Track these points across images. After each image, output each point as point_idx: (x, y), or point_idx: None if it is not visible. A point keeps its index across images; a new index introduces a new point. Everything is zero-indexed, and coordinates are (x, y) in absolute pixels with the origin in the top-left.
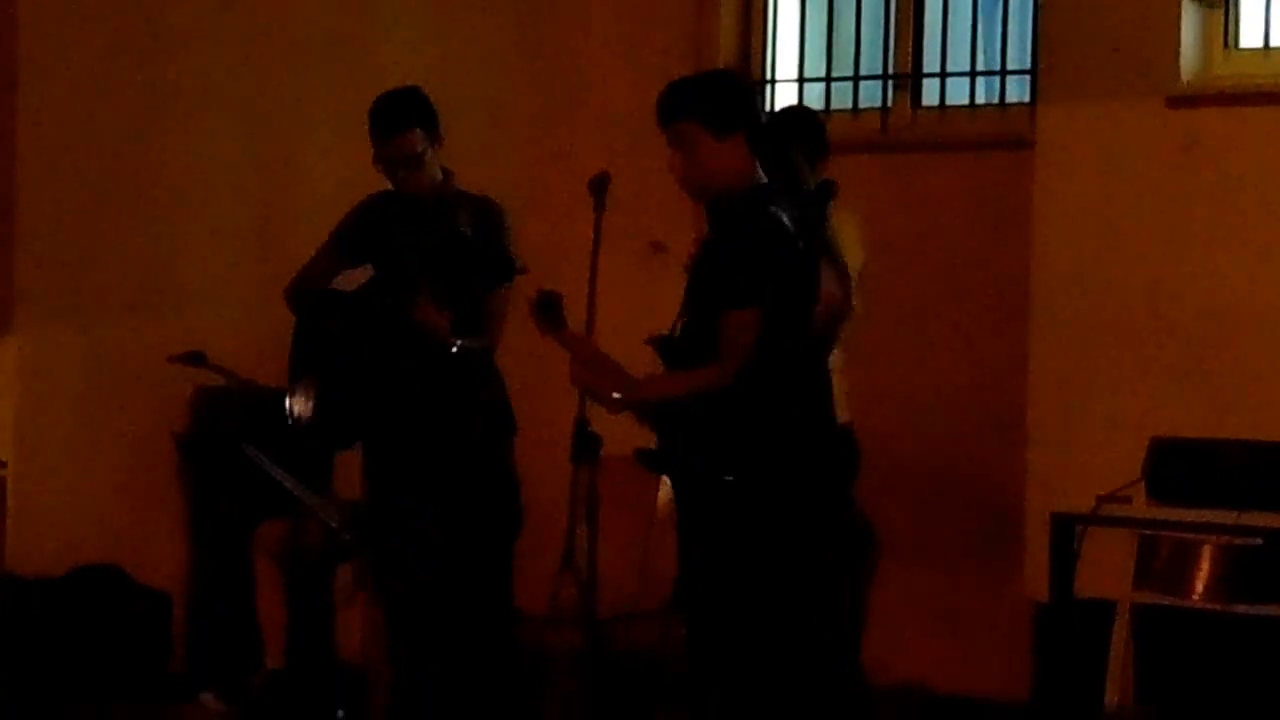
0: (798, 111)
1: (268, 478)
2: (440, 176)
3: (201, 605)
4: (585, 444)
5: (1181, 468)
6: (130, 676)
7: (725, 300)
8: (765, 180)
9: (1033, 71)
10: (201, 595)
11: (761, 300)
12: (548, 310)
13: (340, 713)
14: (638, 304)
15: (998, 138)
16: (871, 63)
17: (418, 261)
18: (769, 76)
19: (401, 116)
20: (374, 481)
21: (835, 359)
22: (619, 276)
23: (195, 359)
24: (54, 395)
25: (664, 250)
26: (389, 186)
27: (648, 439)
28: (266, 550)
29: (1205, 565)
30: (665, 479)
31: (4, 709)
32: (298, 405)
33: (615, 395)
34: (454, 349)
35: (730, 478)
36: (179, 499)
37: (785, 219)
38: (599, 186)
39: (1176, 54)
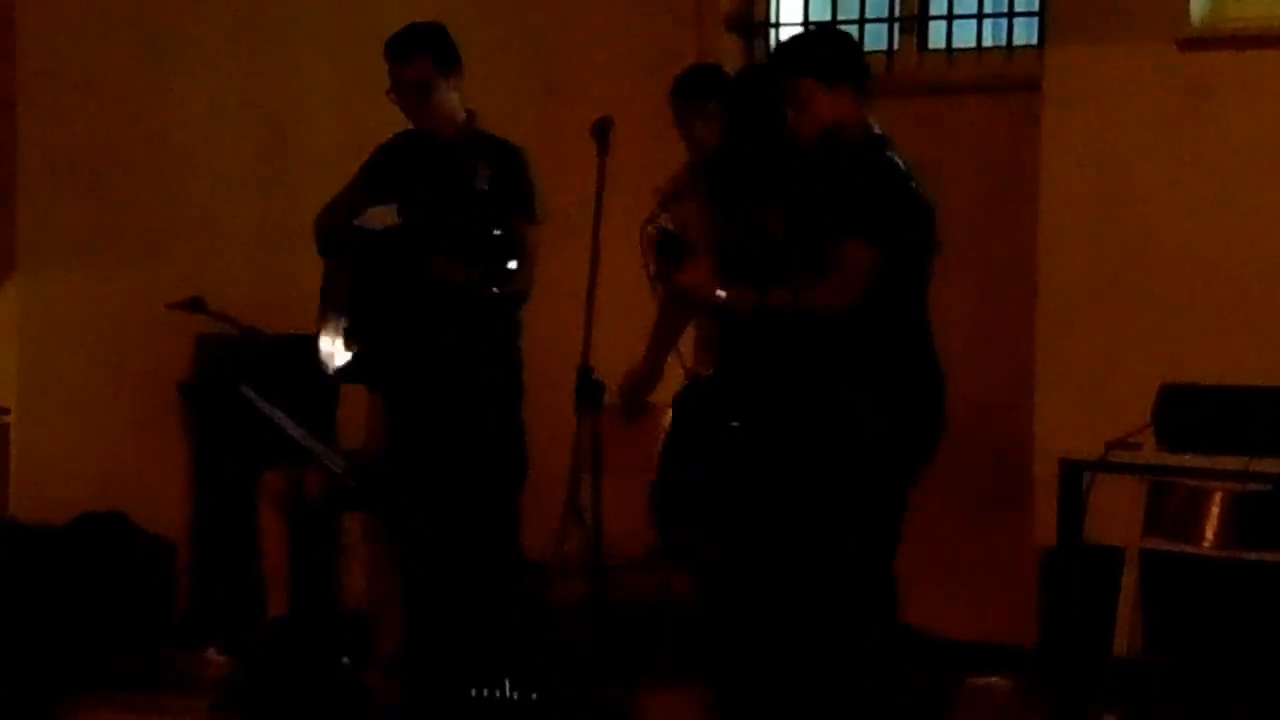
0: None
1: (271, 424)
2: (463, 117)
3: (205, 552)
4: (588, 391)
5: (1191, 414)
6: (134, 623)
7: (845, 229)
8: (879, 131)
9: (1041, 13)
10: (205, 542)
11: (879, 235)
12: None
13: (345, 660)
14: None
15: (1005, 81)
16: (877, 5)
17: (434, 213)
18: (773, 20)
19: (410, 44)
20: (391, 426)
21: None
22: (623, 222)
23: (195, 305)
24: (57, 343)
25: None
26: (390, 134)
27: None
28: (270, 498)
29: (1215, 512)
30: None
31: (9, 658)
32: (325, 344)
33: (720, 294)
34: (496, 292)
35: (736, 424)
36: (182, 446)
37: (902, 164)
38: (602, 131)
39: None
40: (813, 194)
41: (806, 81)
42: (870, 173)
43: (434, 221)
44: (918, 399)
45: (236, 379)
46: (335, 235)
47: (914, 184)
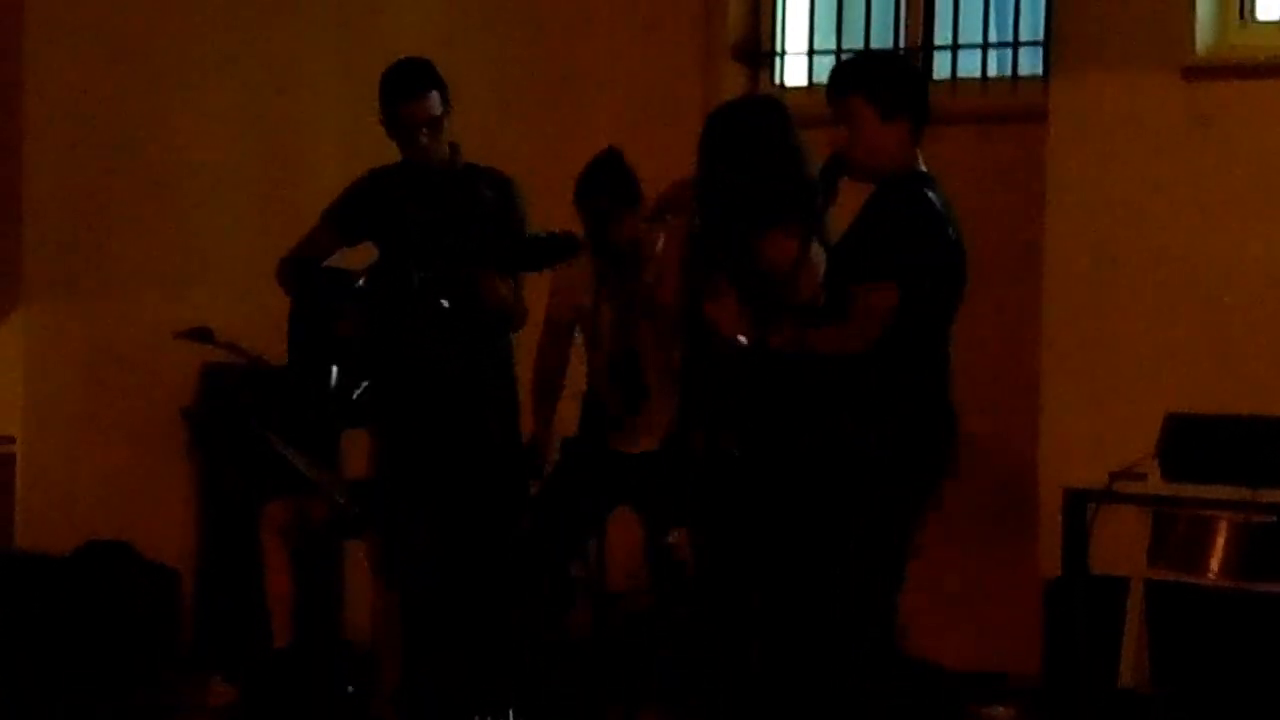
0: None
1: (275, 454)
2: (448, 151)
3: (210, 582)
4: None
5: (1196, 444)
6: (139, 652)
7: (868, 273)
8: (924, 169)
9: (1046, 43)
10: (210, 572)
11: (903, 279)
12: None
13: (349, 689)
14: None
15: (1011, 111)
16: (882, 35)
17: (440, 237)
18: (779, 50)
19: (422, 79)
20: (390, 459)
21: None
22: None
23: (202, 335)
24: (62, 371)
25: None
26: (389, 161)
27: None
28: (274, 527)
29: (1220, 542)
30: None
31: (14, 686)
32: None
33: (741, 339)
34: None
35: (736, 453)
36: (187, 476)
37: (938, 204)
38: None
39: (1191, 25)
40: (849, 231)
41: (858, 102)
42: (906, 214)
43: (442, 245)
44: (924, 439)
45: (242, 409)
46: (312, 279)
47: (950, 228)
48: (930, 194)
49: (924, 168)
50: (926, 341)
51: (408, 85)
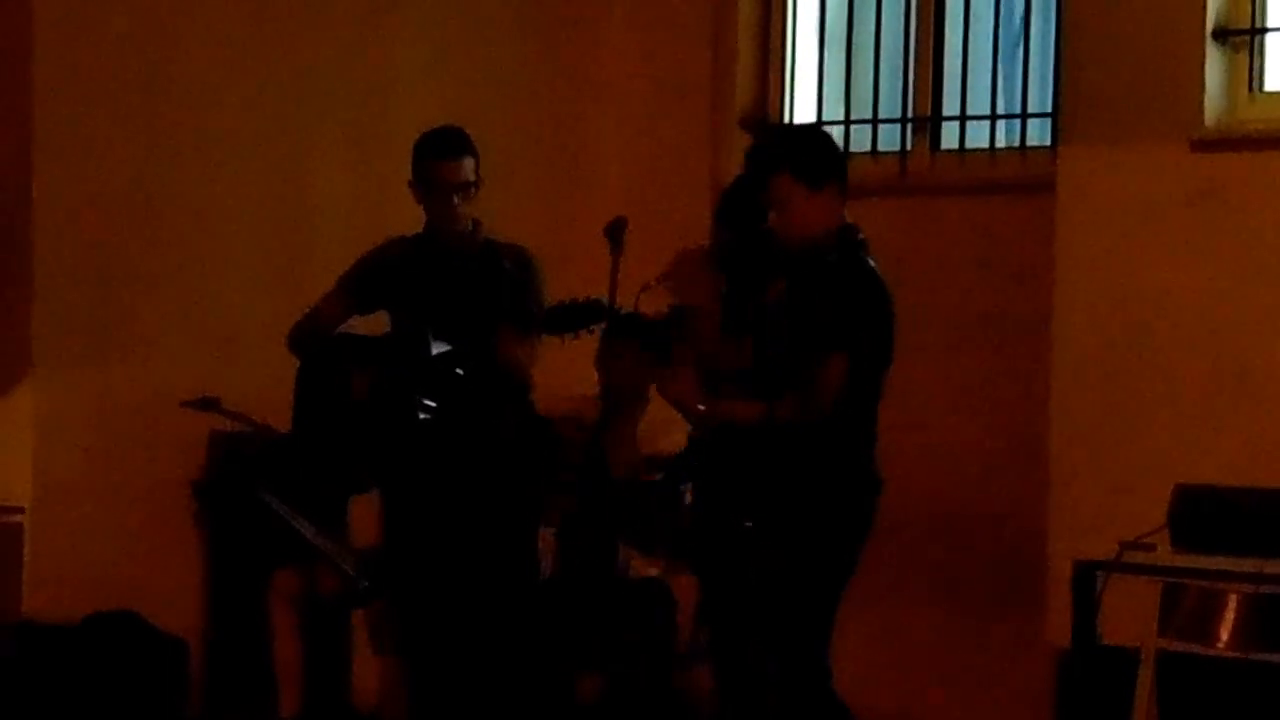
0: None
1: (284, 523)
2: (470, 225)
3: (218, 652)
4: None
5: (1206, 515)
6: None
7: (821, 343)
8: (851, 226)
9: (1054, 115)
10: (218, 642)
11: (852, 346)
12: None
13: None
14: None
15: (1019, 181)
16: (890, 105)
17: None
18: (787, 119)
19: (459, 144)
20: (401, 526)
21: None
22: None
23: (208, 404)
24: (70, 442)
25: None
26: (401, 232)
27: None
28: (283, 596)
29: (1230, 613)
30: None
31: None
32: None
33: (700, 408)
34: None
35: (749, 524)
36: (195, 545)
37: (877, 270)
38: (615, 231)
39: (1200, 97)
40: (795, 303)
41: (784, 179)
42: (853, 284)
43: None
44: (850, 507)
45: (250, 478)
46: (323, 345)
47: (886, 291)
48: (870, 261)
49: (860, 236)
50: (863, 407)
51: (445, 146)
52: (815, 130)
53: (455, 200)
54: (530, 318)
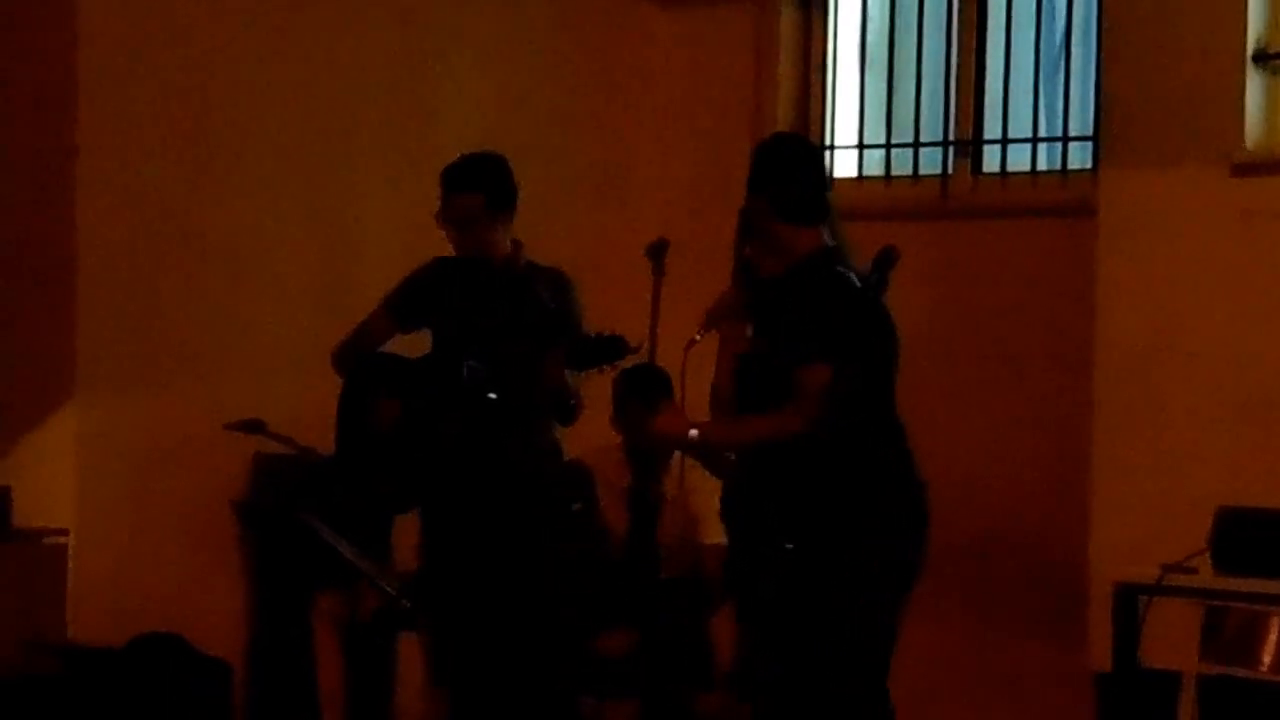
0: None
1: (326, 545)
2: (509, 247)
3: (262, 674)
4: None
5: (1248, 538)
6: None
7: (798, 355)
8: (832, 243)
9: (1095, 138)
10: (262, 664)
11: (832, 356)
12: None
13: None
14: (694, 368)
15: (1060, 205)
16: (932, 129)
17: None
18: (828, 143)
19: (464, 177)
20: (437, 552)
21: None
22: (678, 342)
23: (253, 426)
24: (114, 465)
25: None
26: (442, 253)
27: None
28: (326, 619)
29: (1272, 636)
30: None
31: None
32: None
33: (692, 433)
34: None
35: (790, 545)
36: (239, 567)
37: (854, 277)
38: (657, 253)
39: (1241, 121)
40: (774, 322)
41: (761, 204)
42: (819, 291)
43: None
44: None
45: (293, 501)
46: (365, 364)
47: (869, 300)
48: (843, 269)
49: (830, 242)
50: (875, 416)
51: (449, 180)
52: (801, 162)
53: (452, 232)
54: (562, 339)
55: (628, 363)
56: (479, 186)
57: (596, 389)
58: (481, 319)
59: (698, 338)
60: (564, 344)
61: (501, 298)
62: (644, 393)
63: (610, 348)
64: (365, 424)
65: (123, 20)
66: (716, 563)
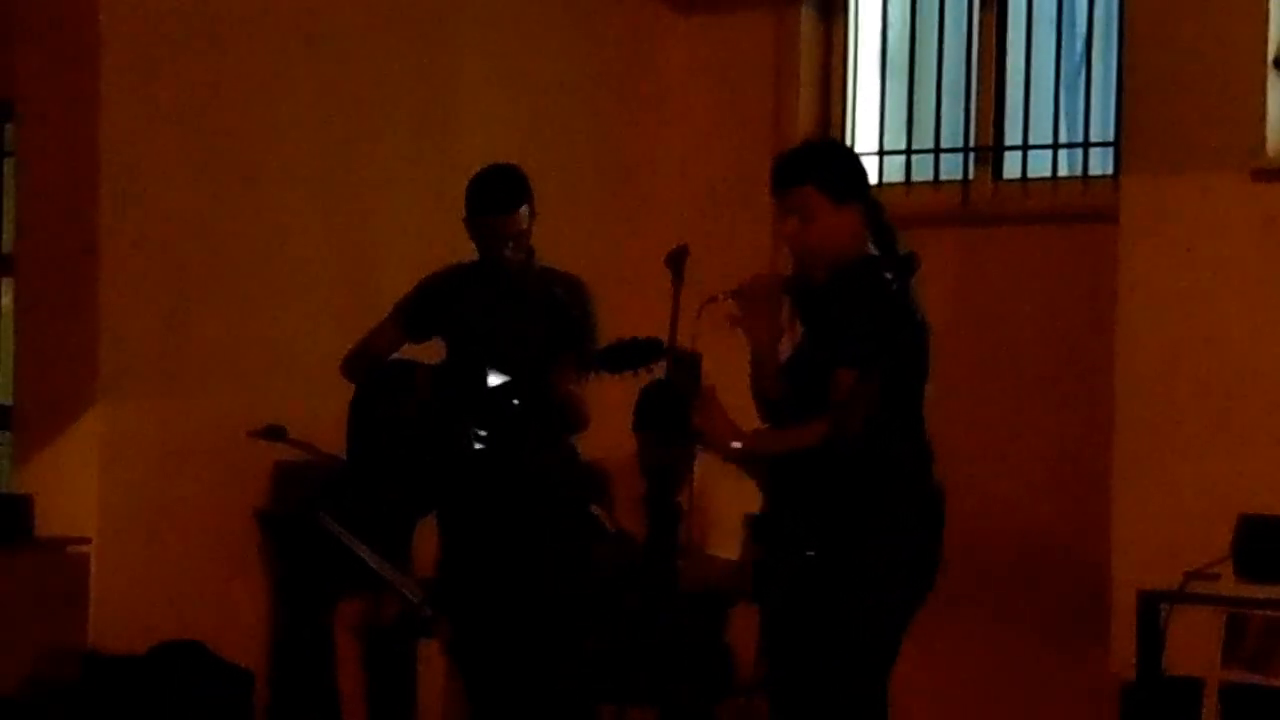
0: None
1: (348, 552)
2: (526, 254)
3: (283, 681)
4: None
5: (1270, 545)
6: None
7: (839, 360)
8: (875, 251)
9: (1116, 144)
10: (283, 672)
11: (875, 364)
12: (685, 370)
13: None
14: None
15: (1081, 211)
16: (953, 135)
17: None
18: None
19: (513, 194)
20: (457, 557)
21: None
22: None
23: (275, 434)
24: (137, 471)
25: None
26: (465, 258)
27: None
28: (347, 626)
29: None
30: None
31: None
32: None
33: (735, 445)
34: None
35: (811, 553)
36: (261, 575)
37: (895, 287)
38: (677, 260)
39: (1263, 127)
40: (816, 326)
41: (808, 191)
42: (865, 297)
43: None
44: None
45: (315, 507)
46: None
47: (908, 308)
48: (887, 275)
49: (873, 249)
50: (899, 425)
51: (498, 200)
52: (845, 147)
53: (506, 250)
54: (585, 352)
55: (651, 373)
56: (525, 198)
57: (615, 396)
58: (502, 325)
59: (720, 298)
60: (575, 351)
61: (523, 301)
62: (659, 419)
63: (647, 350)
64: (383, 427)
65: (147, 29)
66: (728, 576)
